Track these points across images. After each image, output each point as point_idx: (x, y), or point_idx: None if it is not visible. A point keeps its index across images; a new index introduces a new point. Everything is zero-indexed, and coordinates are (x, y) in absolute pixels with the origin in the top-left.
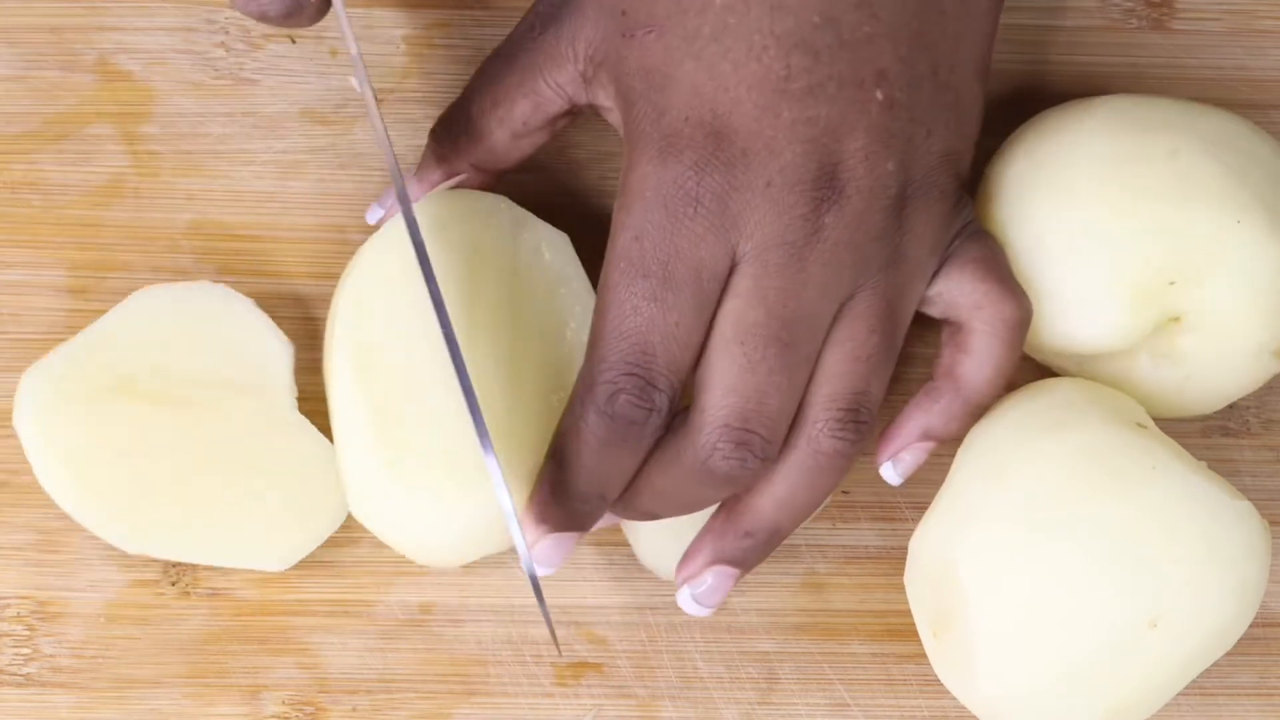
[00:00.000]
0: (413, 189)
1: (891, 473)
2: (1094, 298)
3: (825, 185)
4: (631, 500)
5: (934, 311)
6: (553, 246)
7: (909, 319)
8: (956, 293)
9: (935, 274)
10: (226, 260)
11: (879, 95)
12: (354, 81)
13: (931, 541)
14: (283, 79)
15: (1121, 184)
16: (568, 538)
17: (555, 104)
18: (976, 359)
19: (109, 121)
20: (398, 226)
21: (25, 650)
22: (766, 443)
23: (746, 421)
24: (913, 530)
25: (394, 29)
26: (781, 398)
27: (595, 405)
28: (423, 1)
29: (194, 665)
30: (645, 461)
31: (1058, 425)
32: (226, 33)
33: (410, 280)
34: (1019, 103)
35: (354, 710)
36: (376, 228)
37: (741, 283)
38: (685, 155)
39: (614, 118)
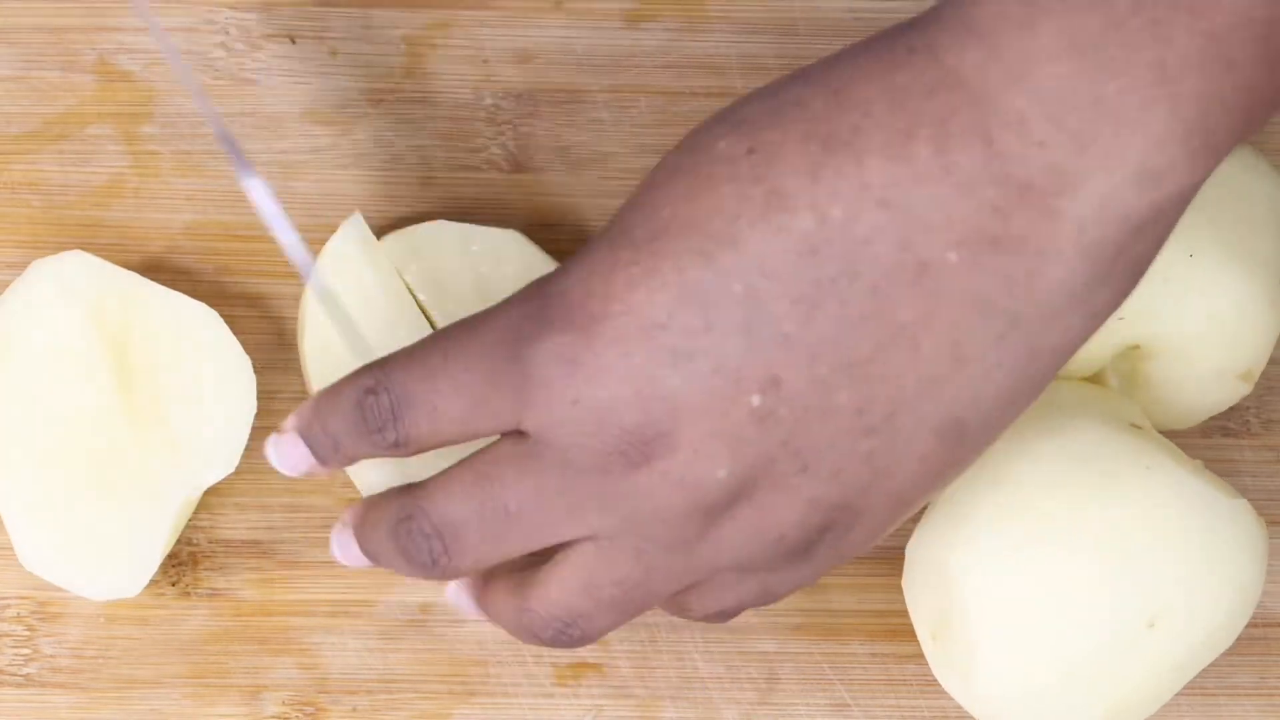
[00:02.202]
0: None
1: None
2: None
3: (627, 443)
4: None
5: None
6: (509, 249)
7: None
8: None
9: None
10: (226, 260)
11: (755, 401)
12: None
13: (928, 546)
14: (283, 79)
15: None
16: (296, 444)
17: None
18: None
19: (109, 121)
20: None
21: (25, 650)
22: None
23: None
24: (913, 530)
25: (394, 29)
26: (589, 623)
27: (352, 424)
28: (423, 1)
29: (194, 665)
30: (495, 577)
31: (1052, 427)
32: (226, 33)
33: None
34: None
35: (354, 710)
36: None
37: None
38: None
39: None
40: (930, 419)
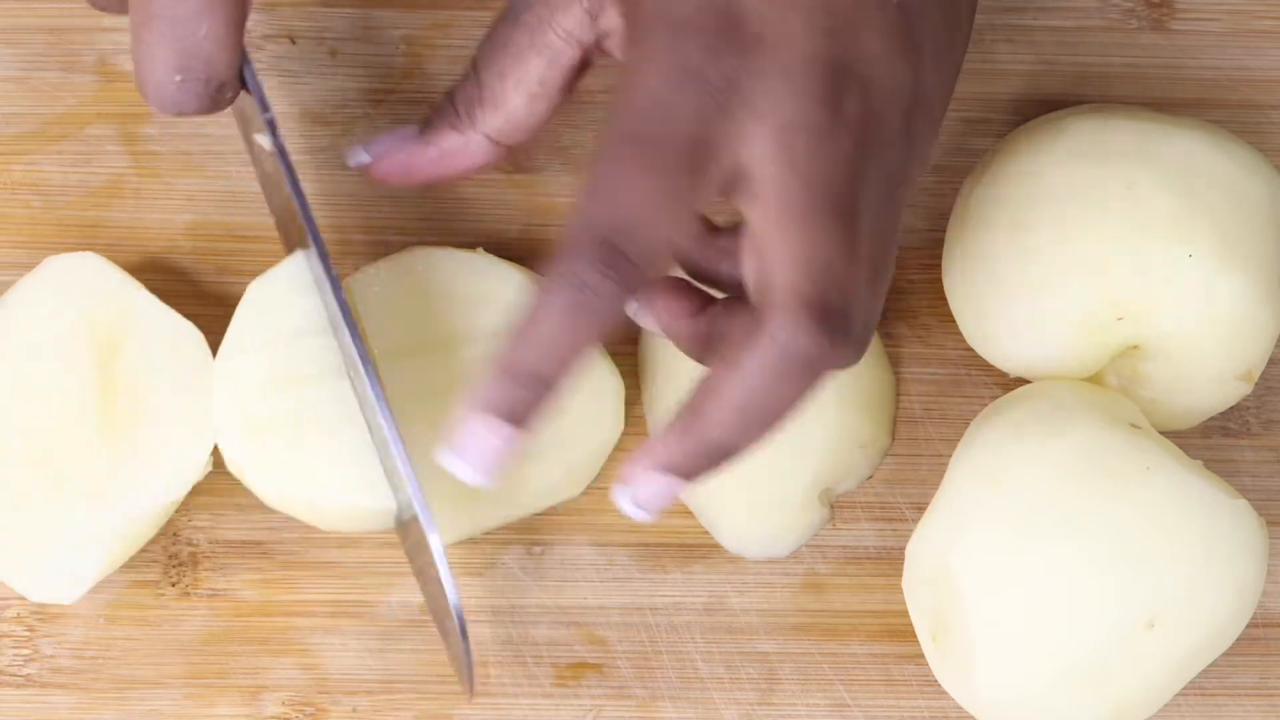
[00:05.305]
0: (422, 149)
1: None
2: (1044, 329)
3: (844, 75)
4: (711, 431)
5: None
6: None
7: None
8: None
9: None
10: (226, 260)
11: None
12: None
13: (929, 546)
14: (283, 79)
15: (1074, 220)
16: (494, 435)
17: (567, 54)
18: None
19: (109, 122)
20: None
21: (25, 651)
22: (844, 313)
23: (823, 294)
24: (913, 530)
25: (394, 29)
26: (847, 262)
27: (556, 269)
28: (423, 1)
29: (194, 665)
30: (719, 386)
31: (1052, 427)
32: None
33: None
34: (1019, 103)
35: (354, 710)
36: (375, 234)
37: (766, 168)
38: (695, 39)
39: (620, 40)
40: None
